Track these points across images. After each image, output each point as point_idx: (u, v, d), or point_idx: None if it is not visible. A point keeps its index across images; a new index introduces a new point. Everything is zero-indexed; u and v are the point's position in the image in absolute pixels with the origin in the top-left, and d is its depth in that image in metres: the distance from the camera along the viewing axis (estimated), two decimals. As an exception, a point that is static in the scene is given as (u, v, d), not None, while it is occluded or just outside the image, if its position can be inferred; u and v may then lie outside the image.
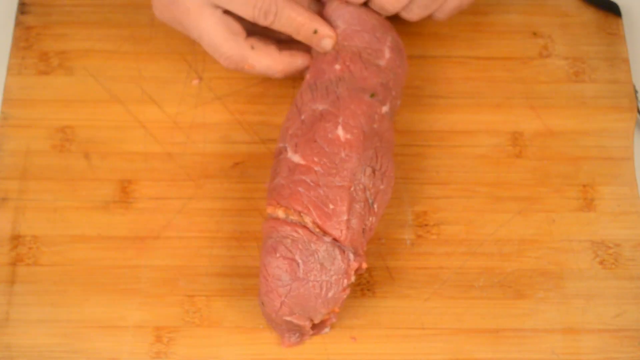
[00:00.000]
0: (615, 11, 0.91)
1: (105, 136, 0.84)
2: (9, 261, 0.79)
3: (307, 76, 0.80)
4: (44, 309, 0.77)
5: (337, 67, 0.79)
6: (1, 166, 0.83)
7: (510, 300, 0.78)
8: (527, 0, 0.92)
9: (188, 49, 0.88)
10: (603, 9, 0.91)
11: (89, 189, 0.82)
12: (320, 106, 0.77)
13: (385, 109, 0.78)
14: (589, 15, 0.91)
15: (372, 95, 0.78)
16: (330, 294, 0.72)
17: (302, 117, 0.77)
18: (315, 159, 0.75)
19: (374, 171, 0.76)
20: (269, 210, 0.75)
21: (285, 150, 0.76)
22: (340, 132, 0.76)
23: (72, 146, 0.84)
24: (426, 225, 0.81)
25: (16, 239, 0.80)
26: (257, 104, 0.86)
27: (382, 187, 0.76)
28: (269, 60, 0.81)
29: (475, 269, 0.79)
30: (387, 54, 0.80)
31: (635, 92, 0.87)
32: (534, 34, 0.90)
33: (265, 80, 0.86)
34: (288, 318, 0.73)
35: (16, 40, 0.88)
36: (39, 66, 0.87)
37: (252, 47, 0.80)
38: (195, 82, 0.87)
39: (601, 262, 0.80)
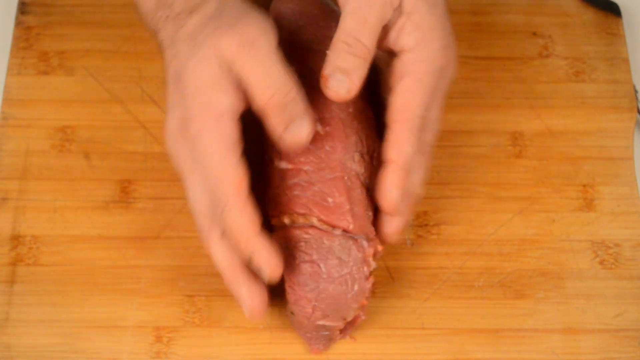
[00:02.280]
0: (615, 11, 0.91)
1: (105, 136, 0.84)
2: (9, 261, 0.79)
3: None
4: (44, 309, 0.77)
5: (294, 67, 0.79)
6: (1, 166, 0.83)
7: (510, 300, 0.78)
8: (527, 0, 0.92)
9: None
10: (603, 9, 0.91)
11: (89, 189, 0.82)
12: None
13: None
14: (589, 15, 0.91)
15: None
16: (356, 286, 0.72)
17: None
18: (302, 160, 0.74)
19: (362, 155, 0.76)
20: (274, 221, 0.74)
21: (271, 160, 0.76)
22: (318, 127, 0.75)
23: (72, 146, 0.84)
24: (426, 225, 0.81)
25: (16, 239, 0.80)
26: (257, 104, 0.86)
27: (374, 169, 0.76)
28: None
29: (475, 269, 0.79)
30: None
31: (635, 92, 0.87)
32: (534, 34, 0.90)
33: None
34: (321, 322, 0.73)
35: (16, 40, 0.88)
36: (39, 66, 0.87)
37: None
38: (195, 82, 0.87)
39: (601, 262, 0.80)
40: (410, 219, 0.75)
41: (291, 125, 0.69)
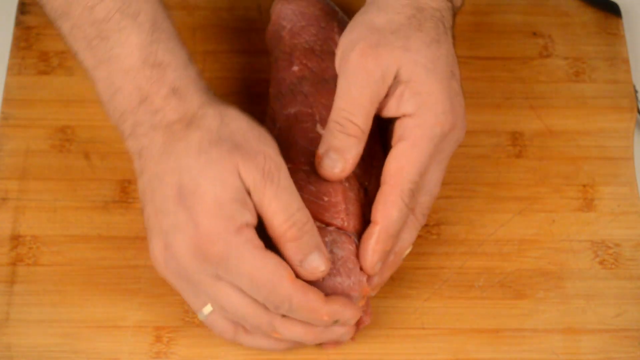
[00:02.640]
0: (615, 11, 0.91)
1: (105, 136, 0.84)
2: (9, 261, 0.79)
3: (270, 89, 0.80)
4: (44, 309, 0.77)
5: (295, 68, 0.79)
6: (1, 166, 0.83)
7: (510, 300, 0.78)
8: (527, 0, 0.92)
9: (188, 49, 0.88)
10: (603, 9, 0.91)
11: (89, 189, 0.82)
12: (292, 110, 0.77)
13: None
14: (589, 15, 0.91)
15: None
16: (352, 277, 0.72)
17: (278, 125, 0.77)
18: (302, 160, 0.75)
19: (362, 157, 0.76)
20: None
21: None
22: (319, 128, 0.75)
23: (72, 146, 0.84)
24: (426, 225, 0.81)
25: (16, 239, 0.80)
26: (257, 104, 0.86)
27: (373, 170, 0.76)
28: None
29: (475, 269, 0.79)
30: (337, 39, 0.80)
31: (635, 92, 0.87)
32: (534, 34, 0.90)
33: (265, 80, 0.86)
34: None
35: (16, 40, 0.88)
36: (39, 66, 0.87)
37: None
38: (195, 82, 0.87)
39: (601, 262, 0.80)
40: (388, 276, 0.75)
41: (307, 259, 0.69)
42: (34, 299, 0.77)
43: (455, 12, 0.76)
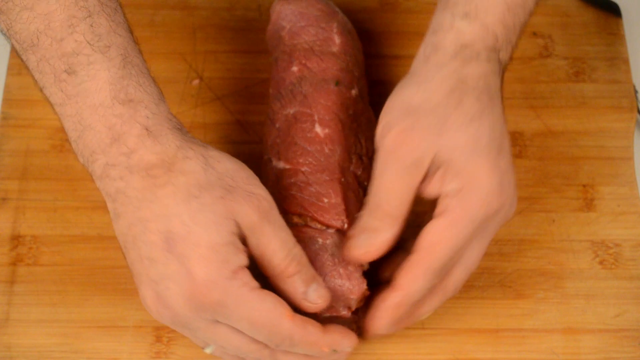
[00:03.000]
0: (615, 11, 0.91)
1: (105, 136, 0.84)
2: (9, 261, 0.79)
3: (270, 89, 0.80)
4: (44, 309, 0.77)
5: (295, 68, 0.79)
6: (1, 166, 0.83)
7: (510, 300, 0.78)
8: (527, 0, 0.92)
9: (188, 49, 0.88)
10: (603, 9, 0.91)
11: (89, 189, 0.82)
12: (291, 110, 0.77)
13: (354, 92, 0.79)
14: (589, 15, 0.91)
15: (337, 83, 0.78)
16: (351, 279, 0.72)
17: (277, 125, 0.77)
18: (300, 161, 0.75)
19: (360, 157, 0.76)
20: None
21: (270, 160, 0.76)
22: (318, 129, 0.76)
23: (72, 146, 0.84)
24: (426, 225, 0.81)
25: (16, 239, 0.80)
26: (257, 104, 0.86)
27: (372, 169, 0.76)
28: None
29: (475, 269, 0.79)
30: (337, 39, 0.81)
31: (635, 92, 0.87)
32: (534, 34, 0.90)
33: (265, 80, 0.86)
34: (327, 314, 0.73)
35: (16, 40, 0.88)
36: (39, 66, 0.87)
37: None
38: (195, 82, 0.87)
39: (601, 262, 0.80)
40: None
41: (309, 290, 0.69)
42: (34, 299, 0.77)
43: (504, 70, 0.72)
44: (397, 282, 0.69)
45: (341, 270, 0.71)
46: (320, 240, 0.72)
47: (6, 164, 0.83)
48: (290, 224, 0.73)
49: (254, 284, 0.66)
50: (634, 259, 0.80)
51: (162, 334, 0.76)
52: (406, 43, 0.87)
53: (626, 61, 0.89)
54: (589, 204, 0.82)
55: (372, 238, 0.69)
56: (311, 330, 0.68)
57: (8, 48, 0.88)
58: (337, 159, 0.74)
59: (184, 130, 0.68)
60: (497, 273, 0.79)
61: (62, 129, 0.84)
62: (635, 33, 0.92)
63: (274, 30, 0.83)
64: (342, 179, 0.74)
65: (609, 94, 0.87)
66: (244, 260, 0.66)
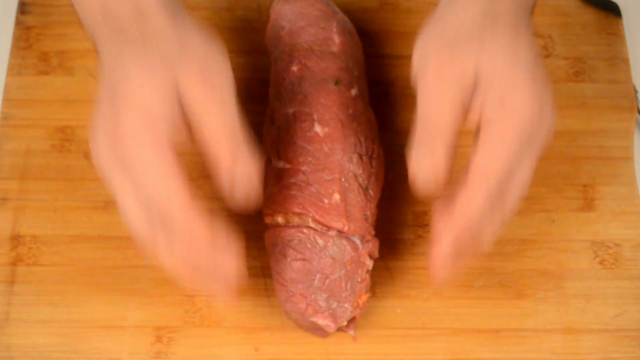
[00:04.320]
0: (615, 11, 0.91)
1: (105, 136, 0.84)
2: (9, 261, 0.79)
3: (270, 89, 0.81)
4: (43, 309, 0.77)
5: (295, 68, 0.79)
6: (1, 166, 0.83)
7: (510, 300, 0.78)
8: (527, 0, 0.92)
9: None
10: (603, 9, 0.91)
11: (89, 189, 0.82)
12: (290, 109, 0.77)
13: (354, 91, 0.79)
14: (589, 15, 0.91)
15: (337, 83, 0.78)
16: (349, 285, 0.72)
17: (277, 125, 0.77)
18: (300, 160, 0.75)
19: (360, 157, 0.76)
20: (267, 220, 0.75)
21: (270, 160, 0.76)
22: (317, 128, 0.76)
23: (72, 146, 0.84)
24: (426, 225, 0.81)
25: (16, 239, 0.80)
26: (257, 104, 0.86)
27: (373, 170, 0.76)
28: None
29: (475, 269, 0.79)
30: (337, 39, 0.81)
31: (635, 92, 0.87)
32: (534, 34, 0.90)
33: (265, 80, 0.86)
34: (313, 319, 0.73)
35: (16, 40, 0.88)
36: (39, 66, 0.87)
37: None
38: (195, 82, 0.87)
39: (601, 262, 0.80)
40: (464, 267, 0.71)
41: (240, 157, 0.68)
42: (33, 299, 0.78)
43: (534, 3, 0.73)
44: (456, 207, 0.68)
45: (342, 272, 0.72)
46: (321, 242, 0.72)
47: (6, 164, 0.83)
48: (291, 224, 0.73)
49: (171, 157, 0.66)
50: (634, 259, 0.80)
51: (162, 334, 0.76)
52: (406, 43, 0.87)
53: (626, 61, 0.89)
54: (589, 204, 0.82)
55: (428, 152, 0.69)
56: (199, 222, 0.66)
57: (8, 48, 0.88)
58: (336, 158, 0.74)
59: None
60: (497, 273, 0.79)
61: (62, 129, 0.85)
62: (635, 33, 0.92)
63: (273, 30, 0.83)
64: (342, 179, 0.74)
65: (609, 94, 0.87)
66: (166, 112, 0.66)
